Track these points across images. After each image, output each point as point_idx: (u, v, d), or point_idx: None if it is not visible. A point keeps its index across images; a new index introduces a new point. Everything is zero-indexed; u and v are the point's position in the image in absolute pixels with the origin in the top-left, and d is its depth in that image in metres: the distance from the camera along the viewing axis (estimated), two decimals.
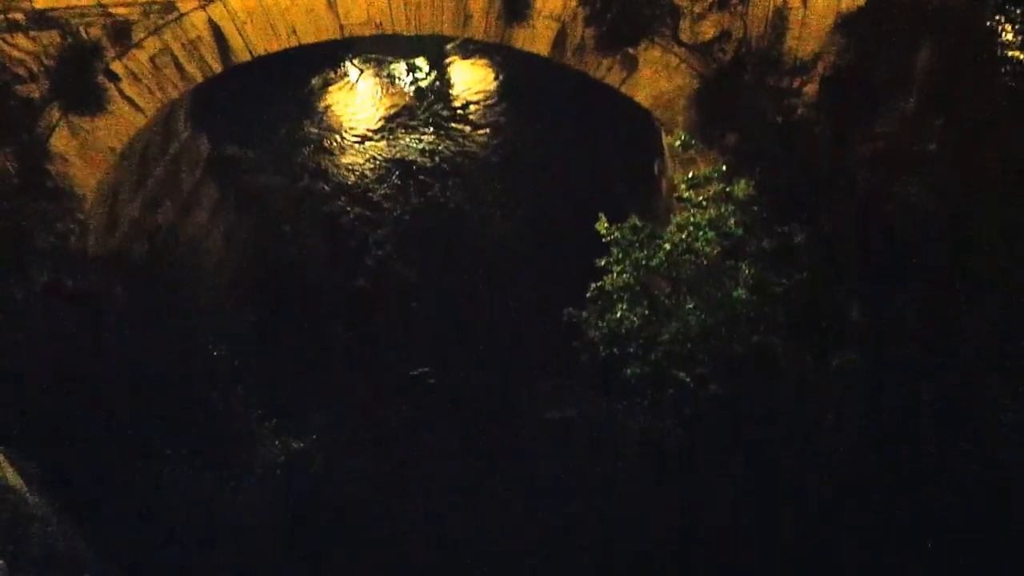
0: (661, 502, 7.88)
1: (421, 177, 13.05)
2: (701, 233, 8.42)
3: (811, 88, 8.75)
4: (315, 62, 14.75)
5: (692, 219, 8.52)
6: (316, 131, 14.09)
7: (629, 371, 8.39)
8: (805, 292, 8.18)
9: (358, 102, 14.78)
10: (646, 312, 8.54)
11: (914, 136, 8.73)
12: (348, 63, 15.50)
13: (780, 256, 8.26)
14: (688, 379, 8.18)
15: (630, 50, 9.51)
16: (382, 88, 15.10)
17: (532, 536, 8.01)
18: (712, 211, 8.52)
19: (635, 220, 8.89)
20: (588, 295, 8.87)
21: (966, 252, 8.14)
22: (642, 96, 9.75)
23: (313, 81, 15.01)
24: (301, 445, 9.03)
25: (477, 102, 14.54)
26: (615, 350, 8.60)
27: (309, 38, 9.29)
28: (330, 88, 15.00)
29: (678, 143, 9.23)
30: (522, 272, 11.21)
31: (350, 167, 13.35)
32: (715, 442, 8.10)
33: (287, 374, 9.76)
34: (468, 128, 14.03)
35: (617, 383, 8.59)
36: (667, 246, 8.59)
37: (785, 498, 7.57)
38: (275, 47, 9.31)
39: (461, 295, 10.97)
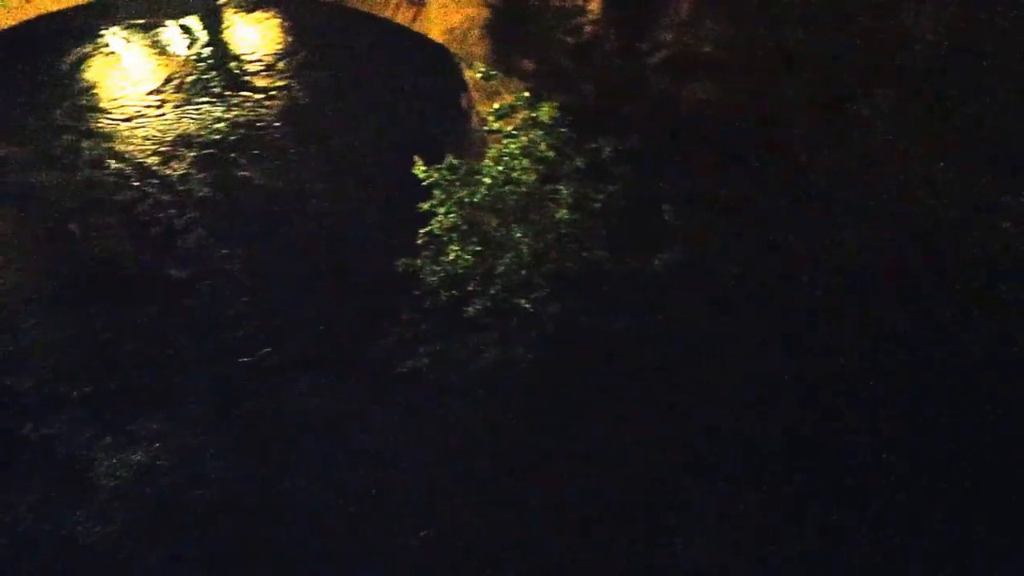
0: (521, 436, 8.45)
1: (211, 152, 12.44)
2: (516, 162, 8.93)
3: (594, 5, 9.35)
4: (67, 36, 13.44)
5: (505, 149, 8.99)
6: (83, 114, 12.95)
7: (471, 309, 8.85)
8: (621, 202, 8.98)
9: (127, 76, 13.69)
10: (478, 248, 9.00)
11: (694, 40, 9.64)
12: (108, 33, 14.24)
13: (593, 172, 8.97)
14: (529, 305, 8.80)
15: None
16: (152, 57, 14.06)
17: (405, 503, 8.31)
18: (523, 138, 9.03)
19: (452, 159, 9.22)
20: (418, 241, 9.16)
21: (757, 141, 9.25)
22: (436, 32, 9.95)
23: (68, 58, 13.69)
24: (143, 457, 8.73)
25: (265, 62, 13.96)
26: (455, 291, 9.03)
27: (49, 4, 8.52)
28: (90, 64, 13.76)
29: (479, 75, 9.60)
30: (348, 233, 11.21)
31: (132, 149, 12.46)
32: (565, 362, 8.80)
33: (115, 384, 9.29)
34: (258, 92, 13.49)
35: (463, 323, 9.04)
36: (487, 180, 9.04)
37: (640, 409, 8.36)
38: (8, 21, 8.46)
39: (288, 268, 10.82)
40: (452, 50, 9.97)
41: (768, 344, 8.48)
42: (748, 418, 8.11)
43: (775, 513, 7.61)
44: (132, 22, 14.34)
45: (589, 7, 9.35)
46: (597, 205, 8.92)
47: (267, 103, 13.30)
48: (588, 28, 9.38)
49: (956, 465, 7.51)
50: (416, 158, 9.28)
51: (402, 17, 9.89)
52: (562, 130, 9.09)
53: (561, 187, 8.98)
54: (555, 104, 9.08)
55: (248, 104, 13.25)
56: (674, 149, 9.39)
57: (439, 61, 10.80)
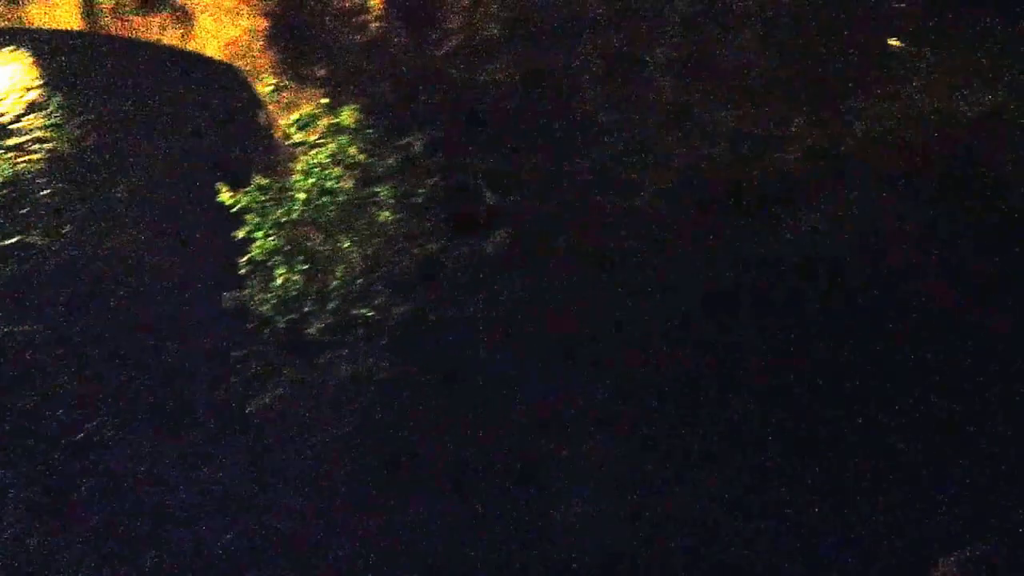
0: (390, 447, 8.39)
1: None
2: (328, 171, 8.79)
3: (376, 2, 9.37)
4: None
5: (314, 160, 8.81)
6: None
7: (312, 330, 8.64)
8: (442, 193, 9.11)
9: None
10: (306, 267, 8.78)
11: (481, 23, 9.95)
12: None
13: (408, 168, 9.02)
14: (372, 313, 8.73)
15: (178, 1, 9.12)
16: None
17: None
18: (330, 146, 8.89)
19: (259, 179, 8.91)
20: (241, 272, 8.78)
21: (557, 111, 9.75)
22: (213, 48, 9.54)
23: None
24: None
25: (16, 110, 12.51)
26: (292, 315, 8.75)
27: None
28: None
29: (270, 89, 9.31)
30: (158, 281, 10.46)
31: None
32: (419, 362, 8.84)
33: None
34: (15, 142, 12.10)
35: (307, 346, 8.79)
36: (301, 195, 8.82)
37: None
38: None
39: (98, 332, 9.92)
40: (236, 65, 9.59)
41: (606, 301, 9.01)
42: (606, 382, 8.57)
43: (652, 468, 8.05)
44: None
45: (371, 4, 9.36)
46: (419, 200, 8.99)
47: (28, 155, 12.01)
48: (374, 25, 9.39)
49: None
50: (219, 185, 8.86)
51: (170, 37, 9.38)
52: (368, 131, 9.05)
53: (379, 189, 8.96)
54: (356, 106, 9.03)
55: (4, 159, 11.89)
56: (480, 132, 9.67)
57: (223, 79, 10.29)
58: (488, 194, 9.44)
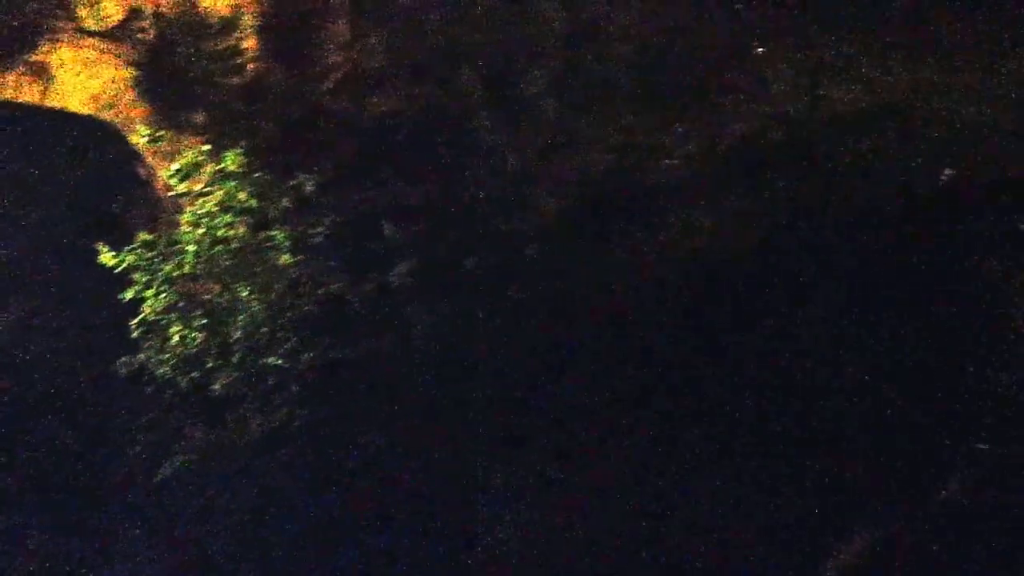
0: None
1: None
2: (218, 220, 8.45)
3: (250, 43, 9.15)
4: None
5: (201, 210, 8.47)
6: None
7: (218, 386, 8.25)
8: (339, 230, 8.95)
9: None
10: (205, 321, 8.39)
11: (363, 56, 9.89)
12: None
13: (302, 208, 8.81)
14: (280, 361, 8.42)
15: (33, 57, 8.65)
16: None
17: None
18: (218, 193, 8.56)
19: (144, 235, 8.47)
20: (134, 335, 8.31)
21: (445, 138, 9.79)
22: (76, 103, 9.07)
23: None
24: None
25: None
26: (194, 374, 8.33)
27: None
28: None
29: (144, 140, 8.91)
30: (41, 356, 9.73)
31: None
32: (333, 405, 8.59)
33: None
34: None
35: (215, 403, 8.38)
36: (191, 247, 8.44)
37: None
38: None
39: None
40: (104, 118, 9.10)
41: (513, 327, 9.03)
42: (514, 407, 8.53)
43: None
44: None
45: (245, 46, 9.13)
46: (317, 239, 8.79)
47: None
48: (251, 66, 9.16)
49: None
50: (99, 246, 8.36)
51: (28, 95, 8.84)
52: (256, 175, 8.78)
53: (274, 232, 8.69)
54: (240, 150, 8.74)
55: None
56: (371, 165, 9.58)
57: (93, 134, 9.73)
58: (387, 227, 9.34)
